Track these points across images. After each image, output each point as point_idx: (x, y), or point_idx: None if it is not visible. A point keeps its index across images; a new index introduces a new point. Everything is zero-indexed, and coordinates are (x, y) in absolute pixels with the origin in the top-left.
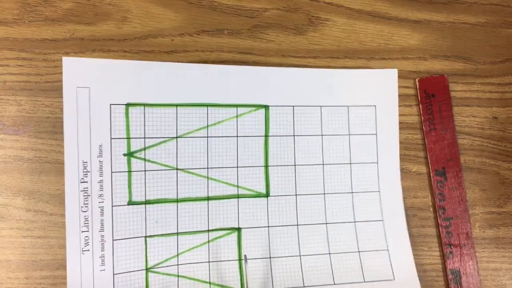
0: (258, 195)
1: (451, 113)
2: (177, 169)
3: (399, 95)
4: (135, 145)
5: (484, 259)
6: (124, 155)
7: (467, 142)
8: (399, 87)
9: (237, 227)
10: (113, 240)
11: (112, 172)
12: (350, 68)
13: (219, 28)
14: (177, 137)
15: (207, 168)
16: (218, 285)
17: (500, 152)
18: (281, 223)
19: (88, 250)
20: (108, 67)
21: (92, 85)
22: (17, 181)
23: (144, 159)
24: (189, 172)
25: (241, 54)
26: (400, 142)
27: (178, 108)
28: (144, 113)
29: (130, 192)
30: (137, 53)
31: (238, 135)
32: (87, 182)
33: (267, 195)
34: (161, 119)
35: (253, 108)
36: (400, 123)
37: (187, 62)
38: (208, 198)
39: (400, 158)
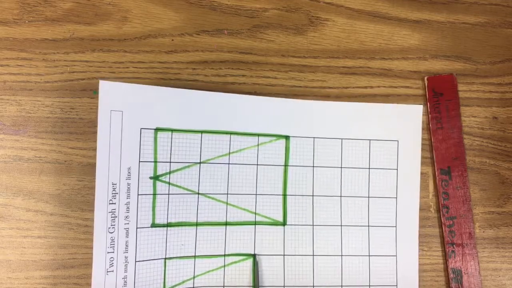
0: (275, 223)
1: (458, 112)
2: (198, 193)
3: (400, 95)
4: (161, 169)
5: (484, 259)
6: (151, 178)
7: (467, 142)
8: (400, 87)
9: (252, 253)
10: (135, 261)
11: (138, 194)
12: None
13: (219, 28)
14: (200, 163)
15: (227, 194)
16: None
17: (500, 152)
18: (297, 252)
19: (112, 271)
20: (140, 92)
21: (125, 109)
22: (17, 181)
23: (169, 183)
24: (209, 197)
25: (241, 54)
26: None
27: (203, 134)
28: (171, 138)
29: (154, 215)
30: (137, 53)
31: (258, 163)
32: (115, 203)
33: (284, 223)
34: (187, 144)
35: (274, 138)
36: None
37: (187, 62)
38: (226, 223)
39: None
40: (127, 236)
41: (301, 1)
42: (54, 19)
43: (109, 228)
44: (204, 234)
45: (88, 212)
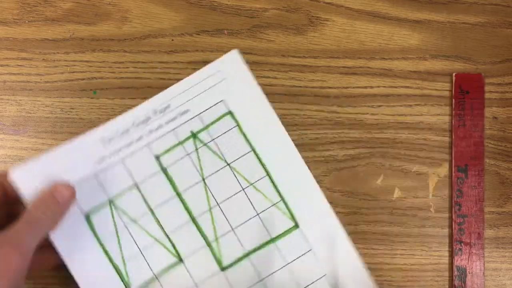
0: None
1: (482, 112)
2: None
3: (400, 95)
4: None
5: (484, 259)
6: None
7: None
8: (400, 87)
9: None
10: None
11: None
12: (350, 67)
13: (219, 28)
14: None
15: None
16: None
17: (500, 152)
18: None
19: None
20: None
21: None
22: None
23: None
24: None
25: (241, 54)
26: (400, 142)
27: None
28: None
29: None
30: (137, 53)
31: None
32: None
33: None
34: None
35: None
36: (399, 122)
37: (187, 62)
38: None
39: (400, 158)
40: None
41: (301, 1)
42: (54, 19)
43: None
44: None
45: None
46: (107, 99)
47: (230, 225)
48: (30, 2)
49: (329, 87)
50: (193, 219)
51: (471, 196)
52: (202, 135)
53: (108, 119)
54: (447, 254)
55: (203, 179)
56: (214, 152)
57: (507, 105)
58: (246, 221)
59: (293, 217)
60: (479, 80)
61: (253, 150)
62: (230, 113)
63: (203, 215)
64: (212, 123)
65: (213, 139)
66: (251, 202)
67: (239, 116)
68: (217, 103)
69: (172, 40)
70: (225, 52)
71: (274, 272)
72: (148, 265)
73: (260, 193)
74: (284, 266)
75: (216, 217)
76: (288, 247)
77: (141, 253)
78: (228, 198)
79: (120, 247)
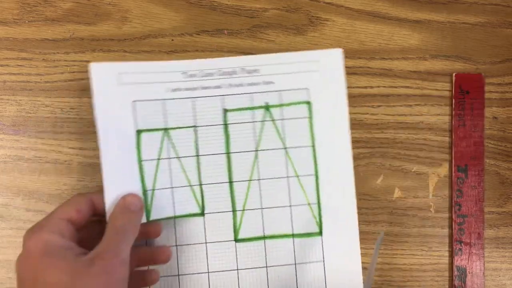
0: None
1: (482, 112)
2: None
3: (400, 95)
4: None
5: (484, 259)
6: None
7: None
8: (400, 87)
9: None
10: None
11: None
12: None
13: (219, 28)
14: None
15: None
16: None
17: (500, 152)
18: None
19: None
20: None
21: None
22: (17, 181)
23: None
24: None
25: (241, 54)
26: (400, 142)
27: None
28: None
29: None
30: (138, 53)
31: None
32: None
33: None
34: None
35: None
36: (399, 122)
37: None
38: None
39: (400, 158)
40: None
41: (301, 1)
42: (54, 19)
43: None
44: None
45: None
46: None
47: (261, 203)
48: (30, 2)
49: None
50: (231, 182)
51: (471, 196)
52: (274, 111)
53: None
54: (447, 254)
55: (256, 150)
56: (277, 131)
57: (507, 105)
58: (276, 207)
59: (320, 224)
60: (479, 80)
61: (313, 146)
62: (308, 103)
63: (241, 182)
64: (288, 104)
65: (282, 119)
66: (289, 192)
67: (315, 110)
68: (301, 89)
69: (172, 40)
70: (225, 52)
71: (280, 265)
72: (173, 204)
73: (301, 188)
74: (291, 264)
75: (251, 190)
76: (304, 248)
77: (171, 190)
78: (270, 178)
79: (155, 175)
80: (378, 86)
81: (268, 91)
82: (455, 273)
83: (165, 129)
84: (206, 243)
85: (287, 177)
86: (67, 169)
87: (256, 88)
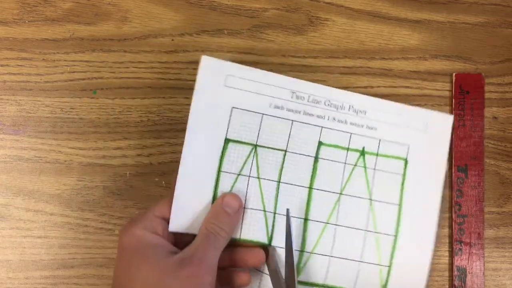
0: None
1: (482, 112)
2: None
3: (399, 95)
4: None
5: (484, 259)
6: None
7: None
8: (400, 87)
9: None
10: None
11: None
12: (350, 67)
13: (219, 28)
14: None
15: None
16: None
17: (500, 152)
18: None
19: None
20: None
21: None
22: (17, 181)
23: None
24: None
25: (241, 54)
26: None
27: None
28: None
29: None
30: (137, 53)
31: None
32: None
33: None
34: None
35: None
36: None
37: (187, 62)
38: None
39: None
40: None
41: (301, 1)
42: (54, 19)
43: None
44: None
45: (88, 212)
46: (107, 99)
47: (331, 250)
48: (30, 2)
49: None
50: (306, 219)
51: (471, 196)
52: (369, 158)
53: (108, 119)
54: (447, 254)
55: (341, 193)
56: (367, 180)
57: (507, 105)
58: (346, 259)
59: (385, 286)
60: (479, 80)
61: (400, 206)
62: (405, 161)
63: (316, 223)
64: (385, 156)
65: (374, 169)
66: (363, 247)
67: (410, 169)
68: (402, 144)
69: (172, 40)
70: (225, 52)
71: None
72: (241, 225)
73: (376, 246)
74: None
75: (325, 233)
76: None
77: (243, 210)
78: (347, 227)
79: (230, 189)
80: (378, 86)
81: (369, 136)
82: (455, 273)
83: (255, 145)
84: (262, 273)
85: (365, 230)
86: (67, 169)
87: (358, 129)
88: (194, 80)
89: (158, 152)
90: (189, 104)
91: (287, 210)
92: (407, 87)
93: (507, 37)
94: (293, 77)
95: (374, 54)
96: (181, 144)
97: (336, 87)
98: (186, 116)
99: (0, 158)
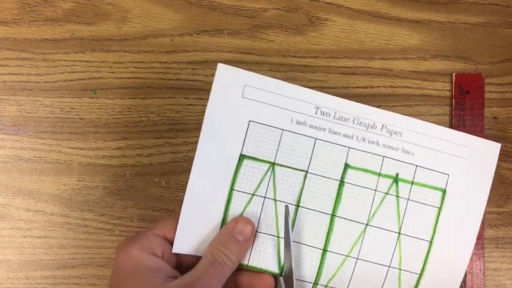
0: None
1: (482, 112)
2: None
3: (399, 95)
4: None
5: (484, 259)
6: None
7: None
8: (400, 87)
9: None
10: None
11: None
12: (350, 67)
13: (219, 28)
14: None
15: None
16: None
17: (500, 152)
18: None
19: None
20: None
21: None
22: (17, 181)
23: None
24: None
25: (241, 54)
26: None
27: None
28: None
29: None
30: (137, 53)
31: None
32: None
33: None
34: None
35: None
36: None
37: (187, 62)
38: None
39: None
40: None
41: (301, 1)
42: (54, 19)
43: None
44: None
45: (88, 212)
46: (107, 99)
47: (349, 286)
48: (30, 2)
49: (329, 87)
50: (325, 250)
51: None
52: (403, 186)
53: (108, 119)
54: None
55: (367, 224)
56: (398, 210)
57: (507, 105)
58: None
59: None
60: (479, 80)
61: (431, 242)
62: (443, 191)
63: (336, 255)
64: (421, 185)
65: (408, 199)
66: (383, 283)
67: (448, 202)
68: (441, 172)
69: (172, 40)
70: (225, 52)
71: None
72: (250, 250)
73: (398, 284)
74: None
75: (344, 267)
76: None
77: (255, 233)
78: (369, 262)
79: (243, 211)
80: (378, 86)
81: (404, 162)
82: None
83: (273, 163)
84: None
85: (389, 266)
86: (67, 169)
87: (392, 152)
88: (194, 80)
89: (158, 152)
90: (189, 104)
91: (286, 206)
92: (407, 87)
93: (507, 37)
94: (293, 77)
95: (374, 54)
96: (181, 144)
97: (336, 87)
98: (186, 116)
99: (0, 158)
